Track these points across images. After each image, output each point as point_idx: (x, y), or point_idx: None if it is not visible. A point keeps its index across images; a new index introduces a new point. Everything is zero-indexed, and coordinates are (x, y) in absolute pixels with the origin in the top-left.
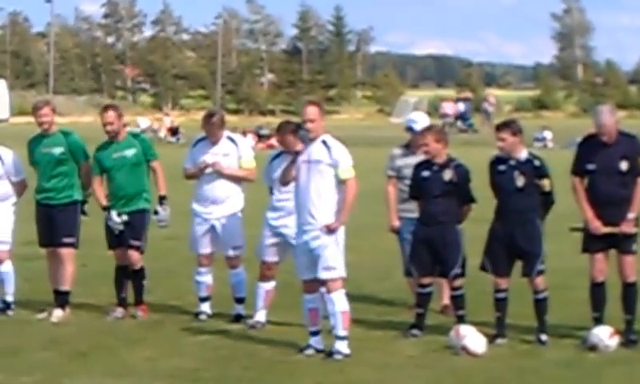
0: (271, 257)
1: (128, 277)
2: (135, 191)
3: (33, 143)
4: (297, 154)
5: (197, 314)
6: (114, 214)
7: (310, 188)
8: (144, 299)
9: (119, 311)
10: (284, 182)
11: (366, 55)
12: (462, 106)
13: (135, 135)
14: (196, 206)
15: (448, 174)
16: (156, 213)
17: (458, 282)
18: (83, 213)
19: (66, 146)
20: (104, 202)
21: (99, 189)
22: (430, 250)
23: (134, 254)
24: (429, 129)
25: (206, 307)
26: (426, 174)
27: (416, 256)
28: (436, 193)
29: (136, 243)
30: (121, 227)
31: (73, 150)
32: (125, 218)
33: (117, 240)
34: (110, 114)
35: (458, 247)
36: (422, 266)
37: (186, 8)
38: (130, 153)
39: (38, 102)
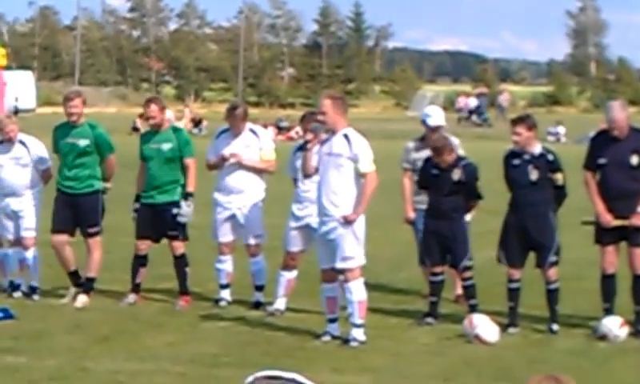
0: (295, 247)
1: (144, 265)
2: (167, 184)
3: (59, 131)
4: (306, 143)
5: (217, 301)
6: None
7: (330, 180)
8: (188, 289)
9: (131, 297)
10: (305, 174)
11: (385, 50)
12: (473, 102)
13: (176, 130)
14: (218, 196)
15: (457, 174)
16: (178, 206)
17: (467, 274)
18: None
19: (92, 138)
20: (138, 190)
21: (140, 175)
22: (440, 241)
23: (174, 243)
24: (440, 148)
25: (226, 294)
26: (434, 171)
27: (427, 247)
28: (445, 191)
29: (174, 233)
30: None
31: (99, 143)
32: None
33: (147, 231)
34: (153, 108)
35: (466, 240)
36: (434, 256)
37: (209, 2)
38: (166, 147)
39: (69, 92)
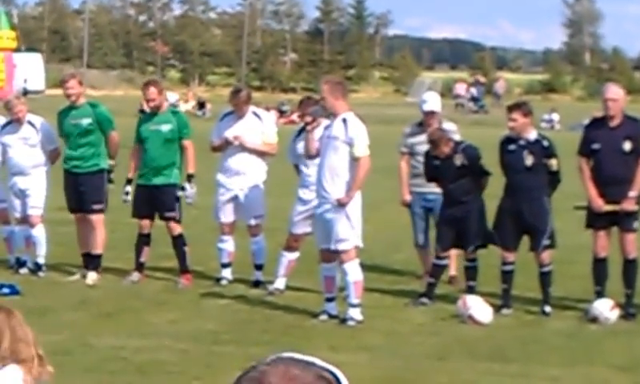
0: (300, 229)
1: (147, 244)
2: (166, 165)
3: (62, 115)
4: (307, 124)
5: (218, 279)
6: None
7: (328, 163)
8: (189, 268)
9: (135, 275)
10: (308, 155)
11: (385, 38)
12: (474, 91)
13: (174, 112)
14: (220, 177)
15: (459, 159)
16: (183, 189)
17: (474, 255)
18: (110, 181)
19: (94, 116)
20: (130, 174)
21: (134, 157)
22: (455, 227)
23: (170, 224)
24: (436, 140)
25: (227, 273)
26: (436, 162)
27: (441, 235)
28: (451, 178)
29: (171, 214)
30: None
31: (100, 120)
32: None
33: (145, 211)
34: (152, 91)
35: (481, 220)
36: (445, 241)
37: None
38: (165, 128)
39: (65, 75)
